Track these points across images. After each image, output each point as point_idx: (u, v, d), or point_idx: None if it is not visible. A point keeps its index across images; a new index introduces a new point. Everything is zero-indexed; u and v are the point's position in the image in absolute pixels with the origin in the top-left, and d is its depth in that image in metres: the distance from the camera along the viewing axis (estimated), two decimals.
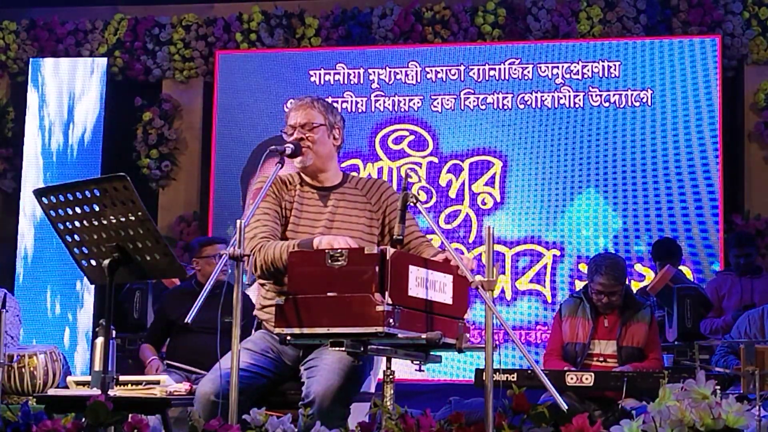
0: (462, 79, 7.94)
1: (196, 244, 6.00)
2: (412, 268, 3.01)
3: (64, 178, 7.88)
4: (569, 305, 5.33)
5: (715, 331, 6.23)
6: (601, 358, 5.17)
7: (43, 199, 3.20)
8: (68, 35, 8.61)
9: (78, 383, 4.32)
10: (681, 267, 6.93)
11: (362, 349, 2.99)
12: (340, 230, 3.50)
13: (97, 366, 3.06)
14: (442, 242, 3.20)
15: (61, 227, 3.21)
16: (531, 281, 7.64)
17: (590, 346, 5.17)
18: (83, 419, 2.71)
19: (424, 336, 2.99)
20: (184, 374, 5.32)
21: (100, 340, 3.12)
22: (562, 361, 5.18)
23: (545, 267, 7.63)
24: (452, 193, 7.85)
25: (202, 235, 7.58)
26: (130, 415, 2.72)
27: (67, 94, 8.38)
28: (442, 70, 7.98)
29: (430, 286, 3.06)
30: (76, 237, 3.21)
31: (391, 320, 2.89)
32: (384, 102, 8.04)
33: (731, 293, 6.45)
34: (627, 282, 5.32)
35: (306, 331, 2.99)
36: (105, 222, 3.14)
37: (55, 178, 7.96)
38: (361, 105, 8.05)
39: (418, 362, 3.21)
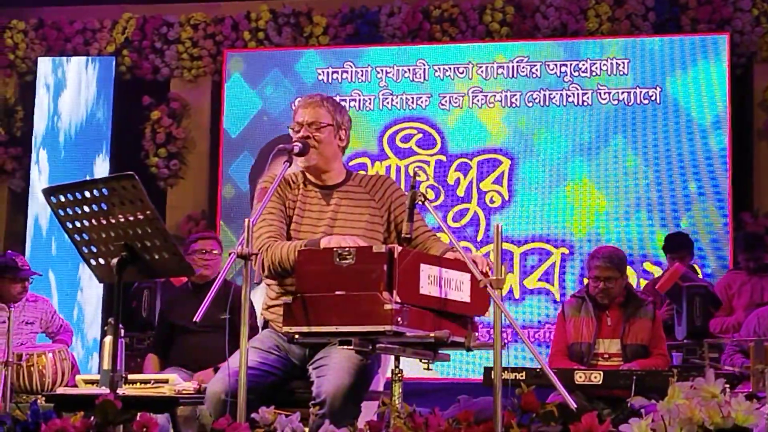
0: (470, 77, 7.93)
1: (186, 240, 5.85)
2: (423, 266, 3.00)
3: (72, 177, 7.89)
4: (572, 305, 5.32)
5: (726, 330, 6.21)
6: (606, 356, 5.16)
7: (52, 198, 3.20)
8: (76, 34, 8.63)
9: (87, 382, 4.32)
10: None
11: (370, 347, 2.99)
12: (342, 228, 3.49)
13: (106, 365, 3.06)
14: (451, 240, 3.20)
15: (70, 226, 3.21)
16: (539, 280, 7.63)
17: (595, 345, 5.16)
18: (92, 418, 2.71)
19: (432, 334, 2.99)
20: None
21: (108, 339, 3.12)
22: (569, 361, 5.17)
23: (554, 265, 7.62)
24: (460, 192, 7.85)
25: None
26: (139, 414, 2.72)
27: (76, 93, 8.40)
28: (450, 68, 7.97)
29: (445, 284, 3.05)
30: (84, 236, 3.21)
31: (399, 319, 2.89)
32: (392, 100, 8.03)
33: (741, 291, 6.43)
34: (626, 277, 5.30)
35: (314, 329, 2.99)
36: (113, 221, 3.14)
37: (64, 177, 7.97)
38: (369, 103, 8.05)
39: (426, 361, 3.21)
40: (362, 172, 3.81)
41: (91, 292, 8.09)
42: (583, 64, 7.79)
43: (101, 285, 7.54)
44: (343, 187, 3.64)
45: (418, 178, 3.37)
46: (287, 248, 3.35)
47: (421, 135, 7.97)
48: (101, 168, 8.23)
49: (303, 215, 3.57)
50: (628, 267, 5.50)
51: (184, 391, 4.08)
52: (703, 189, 7.51)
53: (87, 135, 8.36)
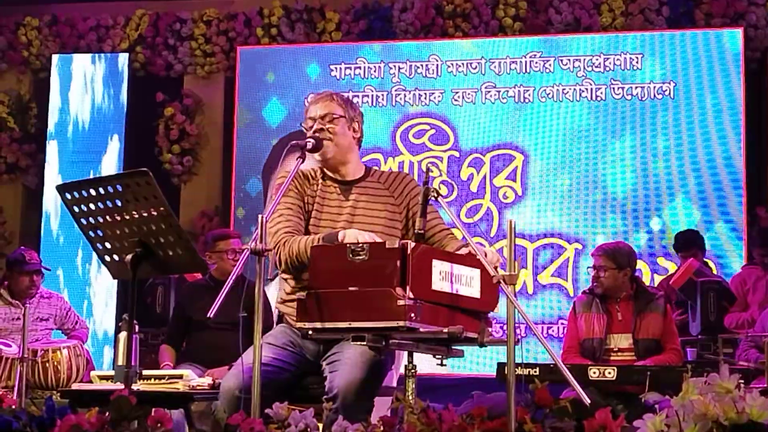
0: (483, 72, 7.92)
1: (210, 237, 5.92)
2: (435, 262, 3.00)
3: (85, 173, 7.93)
4: (582, 302, 5.34)
5: (741, 326, 6.18)
6: (617, 350, 5.16)
7: (66, 194, 3.21)
8: (90, 31, 8.66)
9: (101, 378, 4.35)
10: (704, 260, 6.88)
11: (384, 343, 2.99)
12: (361, 224, 3.50)
13: (121, 360, 3.07)
14: (464, 236, 3.20)
15: (84, 223, 3.23)
16: (553, 275, 7.62)
17: (606, 340, 5.16)
18: (107, 413, 2.72)
19: (445, 330, 2.99)
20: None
21: (123, 335, 3.13)
22: (581, 358, 5.17)
23: (567, 261, 7.60)
24: (473, 187, 7.84)
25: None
26: (153, 410, 2.73)
27: (89, 90, 8.43)
28: (463, 63, 7.96)
29: (455, 280, 3.05)
30: (99, 232, 3.22)
31: (412, 314, 2.89)
32: (405, 96, 8.03)
33: (756, 287, 6.40)
34: (629, 270, 5.29)
35: (328, 325, 2.99)
36: (127, 217, 3.15)
37: (76, 174, 8.00)
38: (382, 99, 8.04)
39: (439, 356, 3.21)
40: (376, 168, 3.82)
41: (101, 288, 8.12)
42: (597, 59, 7.77)
43: (111, 280, 7.57)
44: (362, 183, 3.65)
45: (431, 174, 3.38)
46: (305, 242, 3.37)
47: (434, 131, 7.97)
48: (114, 164, 8.25)
49: (322, 210, 3.58)
50: (638, 262, 5.49)
51: (198, 387, 4.10)
52: (717, 184, 7.48)
53: (99, 132, 8.38)
